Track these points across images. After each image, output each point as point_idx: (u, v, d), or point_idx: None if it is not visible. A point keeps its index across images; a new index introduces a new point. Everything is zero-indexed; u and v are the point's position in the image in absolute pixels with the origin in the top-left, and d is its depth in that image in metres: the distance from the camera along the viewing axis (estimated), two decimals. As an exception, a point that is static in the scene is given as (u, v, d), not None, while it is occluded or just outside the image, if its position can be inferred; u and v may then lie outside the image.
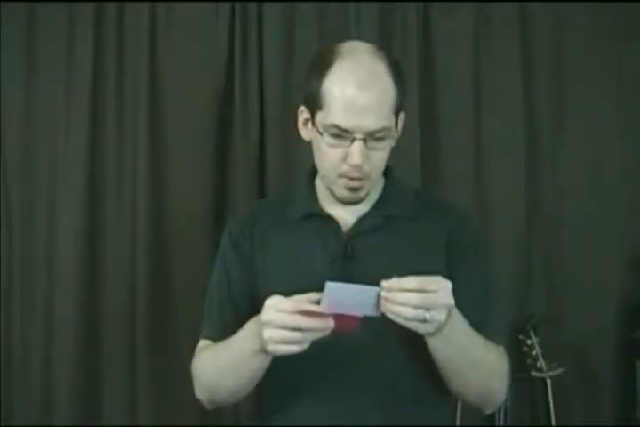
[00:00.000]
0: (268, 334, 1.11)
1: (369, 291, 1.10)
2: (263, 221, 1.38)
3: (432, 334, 1.14)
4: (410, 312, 1.07)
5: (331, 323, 1.09)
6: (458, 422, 2.15)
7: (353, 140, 1.22)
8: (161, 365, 2.24)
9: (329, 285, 1.08)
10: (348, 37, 1.38)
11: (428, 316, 1.08)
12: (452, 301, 1.10)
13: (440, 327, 1.12)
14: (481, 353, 1.25)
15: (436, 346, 1.19)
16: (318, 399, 1.28)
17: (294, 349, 1.11)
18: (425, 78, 2.33)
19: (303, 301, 1.10)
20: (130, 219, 2.26)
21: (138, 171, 2.26)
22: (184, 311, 2.23)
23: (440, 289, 1.09)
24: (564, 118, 2.37)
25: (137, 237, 2.25)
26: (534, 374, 2.21)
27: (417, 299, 1.07)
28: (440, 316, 1.09)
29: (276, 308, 1.11)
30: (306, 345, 1.11)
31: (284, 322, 1.09)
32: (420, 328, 1.10)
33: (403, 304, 1.07)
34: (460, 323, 1.18)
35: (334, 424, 1.26)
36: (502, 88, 2.34)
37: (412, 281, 1.08)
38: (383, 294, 1.08)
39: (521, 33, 2.35)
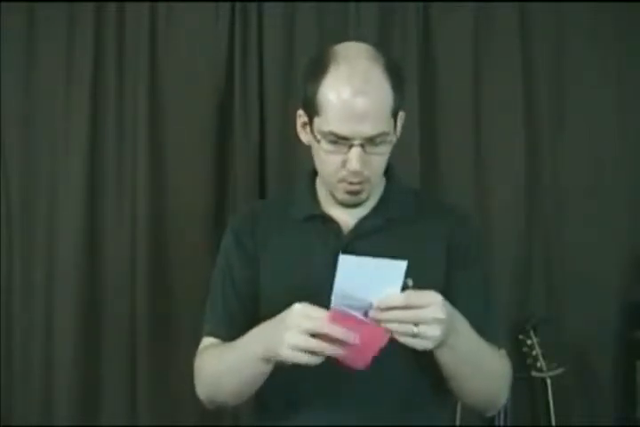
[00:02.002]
0: (295, 340, 1.08)
1: (392, 265, 1.05)
2: (264, 221, 1.38)
3: (437, 348, 1.12)
4: (396, 327, 1.07)
5: (357, 339, 1.07)
6: (458, 423, 2.15)
7: (351, 146, 1.21)
8: (161, 365, 2.24)
9: (343, 257, 1.06)
10: (348, 37, 1.38)
11: (416, 330, 1.06)
12: (442, 315, 1.08)
13: (439, 342, 1.10)
14: (487, 360, 1.25)
15: (444, 356, 1.18)
16: (318, 400, 1.27)
17: (312, 360, 1.09)
18: (425, 78, 2.33)
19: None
20: (130, 219, 2.27)
21: (138, 171, 2.26)
22: (184, 311, 2.23)
23: (428, 304, 1.07)
24: (564, 118, 2.37)
25: (137, 237, 2.25)
26: (534, 374, 2.21)
27: (401, 315, 1.07)
28: (433, 331, 1.07)
29: (307, 314, 1.09)
30: (321, 359, 1.09)
31: (316, 328, 1.07)
32: (416, 344, 1.08)
33: (389, 321, 1.07)
34: (465, 330, 1.17)
35: (334, 425, 1.26)
36: (502, 88, 2.34)
37: (396, 298, 1.07)
38: (371, 313, 1.08)
39: (521, 33, 2.35)
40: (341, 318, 1.07)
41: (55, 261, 2.25)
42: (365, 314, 1.09)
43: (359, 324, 1.08)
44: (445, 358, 1.18)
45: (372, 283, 1.06)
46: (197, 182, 2.28)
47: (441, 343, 1.10)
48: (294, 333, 1.08)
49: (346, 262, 1.06)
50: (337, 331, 1.07)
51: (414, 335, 1.07)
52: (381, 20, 2.32)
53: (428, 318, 1.07)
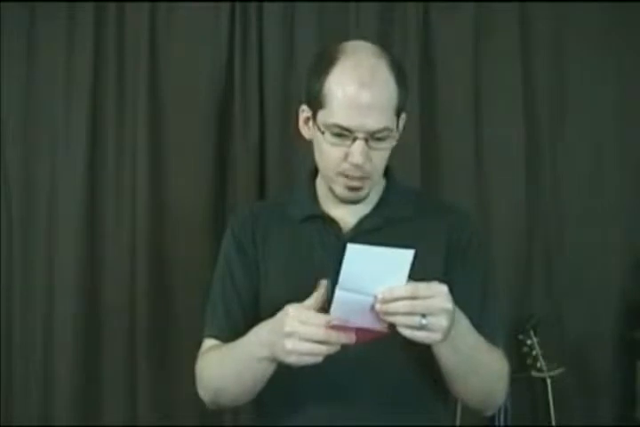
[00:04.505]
0: (293, 345, 1.08)
1: (399, 254, 1.05)
2: (264, 222, 1.38)
3: (441, 341, 1.11)
4: (403, 320, 1.05)
5: (354, 337, 1.07)
6: (458, 423, 2.15)
7: (354, 139, 1.22)
8: (161, 365, 2.24)
9: (350, 246, 1.04)
10: (348, 37, 1.39)
11: (424, 321, 1.05)
12: (449, 305, 1.07)
13: (446, 334, 1.09)
14: (486, 358, 1.25)
15: (443, 352, 1.17)
16: (318, 400, 1.27)
17: (316, 360, 1.10)
18: (425, 78, 2.33)
19: (325, 317, 1.08)
20: (130, 219, 2.27)
21: (138, 171, 2.26)
22: (184, 311, 2.23)
23: (435, 294, 1.06)
24: (564, 118, 2.37)
25: (137, 237, 2.25)
26: (534, 374, 2.21)
27: (408, 306, 1.05)
28: (440, 321, 1.06)
29: (302, 320, 1.08)
30: (322, 357, 1.10)
31: (313, 335, 1.07)
32: (424, 337, 1.07)
33: (394, 314, 1.06)
34: (465, 327, 1.17)
35: (333, 425, 1.26)
36: (502, 88, 2.34)
37: (403, 289, 1.05)
38: (377, 306, 1.06)
39: (521, 33, 2.35)
40: (339, 322, 1.07)
41: (55, 261, 2.25)
42: (371, 307, 1.07)
43: (356, 325, 1.07)
44: (445, 354, 1.18)
45: (378, 273, 1.06)
46: (197, 182, 2.28)
47: (444, 338, 1.09)
48: (294, 341, 1.08)
49: (353, 252, 1.05)
50: (334, 337, 1.07)
51: (421, 328, 1.06)
52: (381, 20, 2.32)
53: (436, 308, 1.06)
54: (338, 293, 1.06)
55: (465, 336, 1.17)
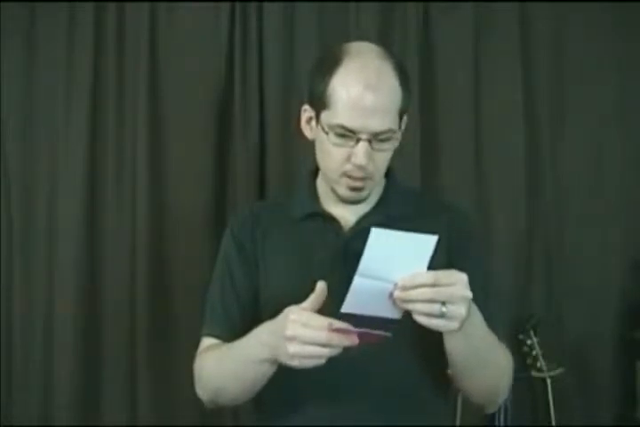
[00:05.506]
0: (295, 349, 1.08)
1: (422, 240, 1.04)
2: (264, 222, 1.39)
3: (456, 331, 1.11)
4: (422, 307, 1.06)
5: (356, 339, 1.07)
6: (458, 423, 2.15)
7: (358, 140, 1.23)
8: (161, 365, 2.24)
9: (374, 230, 1.04)
10: (348, 37, 1.39)
11: (444, 309, 1.05)
12: (469, 293, 1.07)
13: (463, 322, 1.09)
14: (494, 351, 1.25)
15: (455, 343, 1.17)
16: (318, 400, 1.27)
17: (319, 362, 1.10)
18: (425, 78, 2.33)
19: (326, 319, 1.08)
20: (130, 219, 2.26)
21: (138, 171, 2.26)
22: (184, 311, 2.23)
23: (456, 282, 1.07)
24: (564, 118, 2.37)
25: (137, 237, 2.24)
26: (534, 374, 2.22)
27: (429, 293, 1.05)
28: (459, 309, 1.07)
29: (303, 323, 1.08)
30: (325, 359, 1.10)
31: (314, 339, 1.07)
32: (442, 325, 1.07)
33: (416, 301, 1.06)
34: (478, 318, 1.17)
35: (333, 425, 1.26)
36: (502, 88, 2.34)
37: (424, 276, 1.06)
38: (396, 293, 1.06)
39: (521, 33, 2.35)
40: (340, 325, 1.07)
41: (55, 260, 2.25)
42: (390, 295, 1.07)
43: (358, 329, 1.07)
44: (457, 345, 1.18)
45: (399, 258, 1.05)
46: (197, 182, 2.28)
47: (461, 326, 1.09)
48: (296, 344, 1.08)
49: (376, 236, 1.05)
50: (336, 339, 1.07)
51: (440, 315, 1.06)
52: (381, 20, 2.32)
53: (456, 296, 1.06)
54: (357, 279, 1.06)
55: (477, 327, 1.18)
